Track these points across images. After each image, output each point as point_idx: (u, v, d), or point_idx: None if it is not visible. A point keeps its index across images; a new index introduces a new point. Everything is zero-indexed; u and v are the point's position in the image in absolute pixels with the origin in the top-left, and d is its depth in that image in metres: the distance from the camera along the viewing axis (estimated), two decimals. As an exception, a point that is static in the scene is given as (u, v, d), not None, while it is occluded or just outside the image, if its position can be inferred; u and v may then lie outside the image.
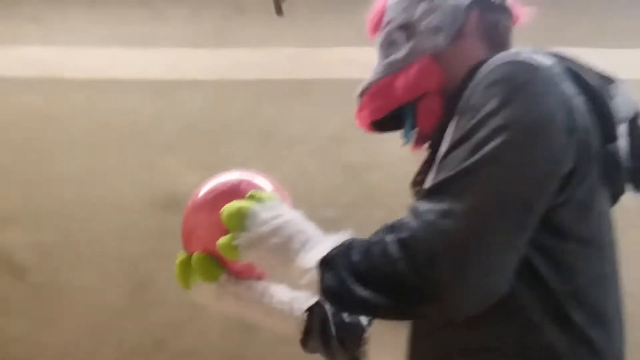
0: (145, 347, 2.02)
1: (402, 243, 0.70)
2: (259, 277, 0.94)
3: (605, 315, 0.77)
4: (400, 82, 0.89)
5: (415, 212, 0.72)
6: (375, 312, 0.76)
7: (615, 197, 0.87)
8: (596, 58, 0.89)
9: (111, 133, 2.34)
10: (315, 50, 2.33)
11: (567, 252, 0.74)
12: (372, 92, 0.92)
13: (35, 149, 2.35)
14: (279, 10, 2.18)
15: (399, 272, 0.69)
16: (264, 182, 0.93)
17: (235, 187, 0.90)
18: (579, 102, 0.76)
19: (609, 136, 0.80)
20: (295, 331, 0.98)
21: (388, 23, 0.93)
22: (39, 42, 2.51)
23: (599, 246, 0.78)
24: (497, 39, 0.91)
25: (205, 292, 0.92)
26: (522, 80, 0.74)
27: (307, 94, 2.28)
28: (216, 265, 0.89)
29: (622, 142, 0.83)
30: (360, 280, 0.70)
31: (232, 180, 0.92)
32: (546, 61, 0.76)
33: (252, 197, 0.83)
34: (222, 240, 0.80)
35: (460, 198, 0.69)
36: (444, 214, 0.69)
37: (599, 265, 0.78)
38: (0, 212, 2.25)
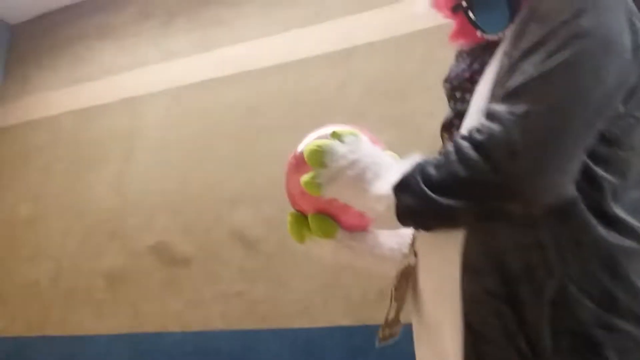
0: (370, 298, 2.17)
1: (480, 145, 0.72)
2: (366, 229, 0.98)
3: None
4: None
5: (492, 116, 0.74)
6: (460, 218, 0.77)
7: None
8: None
9: (304, 109, 2.53)
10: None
11: (616, 158, 0.77)
12: None
13: (246, 135, 2.65)
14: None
15: (479, 173, 0.72)
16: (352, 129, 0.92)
17: (321, 138, 0.90)
18: (638, 20, 0.77)
19: None
20: None
21: None
22: (228, 43, 2.80)
23: None
24: None
25: (322, 247, 0.97)
26: None
27: (484, 30, 2.21)
28: (332, 223, 0.93)
29: None
30: (440, 190, 0.73)
31: (320, 133, 0.92)
32: None
33: (332, 134, 0.87)
34: (305, 177, 0.84)
35: (539, 100, 0.72)
36: (524, 115, 0.71)
37: None
38: (228, 194, 2.59)
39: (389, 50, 2.42)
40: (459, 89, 0.94)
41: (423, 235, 0.87)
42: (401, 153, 2.35)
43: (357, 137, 0.88)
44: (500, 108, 0.74)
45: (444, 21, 1.07)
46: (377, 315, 2.12)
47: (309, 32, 2.62)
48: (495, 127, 0.72)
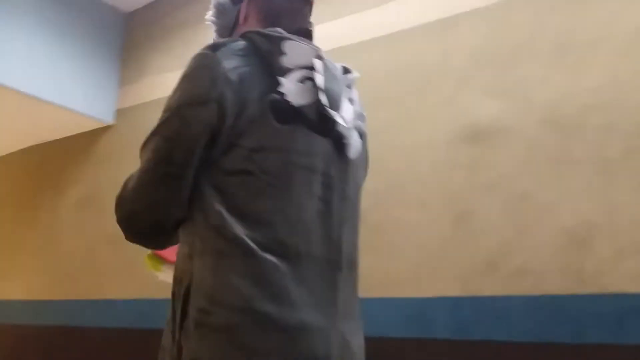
0: (478, 269, 2.16)
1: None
2: None
3: (266, 221, 1.00)
4: None
5: None
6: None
7: (328, 129, 1.07)
8: None
9: (410, 80, 2.53)
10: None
11: (231, 183, 1.01)
12: None
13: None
14: None
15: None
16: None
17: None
18: (240, 72, 1.02)
19: (273, 87, 1.03)
20: None
21: None
22: (328, 19, 2.84)
23: (286, 182, 1.02)
24: (271, 20, 1.17)
25: (158, 273, 1.36)
26: (187, 70, 1.05)
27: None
28: (159, 261, 1.34)
29: (294, 85, 1.04)
30: None
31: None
32: (218, 48, 1.04)
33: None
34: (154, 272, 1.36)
35: (141, 160, 1.07)
36: (134, 173, 1.08)
37: (262, 186, 1.01)
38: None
39: (494, 17, 2.35)
40: None
41: None
42: (512, 124, 2.28)
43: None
44: None
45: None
46: (485, 287, 2.11)
47: (412, 2, 2.60)
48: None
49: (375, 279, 2.38)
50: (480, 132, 2.28)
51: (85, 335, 3.48)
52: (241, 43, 1.05)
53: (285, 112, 1.02)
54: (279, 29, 1.08)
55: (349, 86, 1.18)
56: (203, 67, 1.02)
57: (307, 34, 1.18)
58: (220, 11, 1.23)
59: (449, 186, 2.32)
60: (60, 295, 3.74)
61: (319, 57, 1.08)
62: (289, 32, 1.09)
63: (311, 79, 1.05)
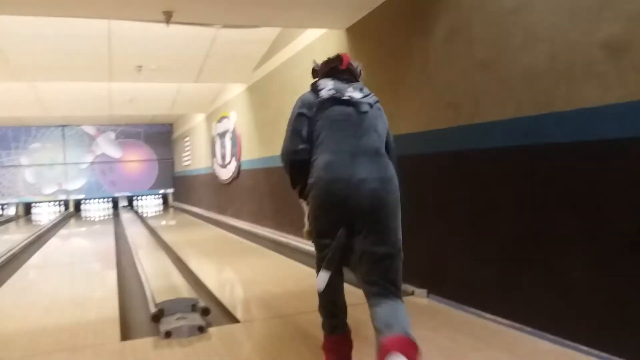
0: None
1: None
2: None
3: (328, 142, 2.60)
4: None
5: None
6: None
7: (347, 103, 2.66)
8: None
9: None
10: None
11: (316, 132, 2.66)
12: None
13: None
14: None
15: None
16: None
17: None
18: (310, 97, 2.74)
19: (322, 99, 2.69)
20: None
21: None
22: None
23: (330, 127, 2.63)
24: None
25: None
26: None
27: None
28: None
29: (325, 92, 2.71)
30: None
31: None
32: (307, 90, 2.81)
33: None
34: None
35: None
36: None
37: (331, 131, 2.61)
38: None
39: None
40: None
41: None
42: None
43: None
44: None
45: None
46: None
47: None
48: None
49: None
50: None
51: (469, 158, 3.80)
52: (314, 87, 2.81)
53: (324, 102, 2.69)
54: (323, 78, 2.84)
55: (360, 88, 2.74)
56: (300, 98, 2.79)
57: (337, 73, 2.84)
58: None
59: None
60: (444, 124, 4.04)
61: (334, 79, 2.79)
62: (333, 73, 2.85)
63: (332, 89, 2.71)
